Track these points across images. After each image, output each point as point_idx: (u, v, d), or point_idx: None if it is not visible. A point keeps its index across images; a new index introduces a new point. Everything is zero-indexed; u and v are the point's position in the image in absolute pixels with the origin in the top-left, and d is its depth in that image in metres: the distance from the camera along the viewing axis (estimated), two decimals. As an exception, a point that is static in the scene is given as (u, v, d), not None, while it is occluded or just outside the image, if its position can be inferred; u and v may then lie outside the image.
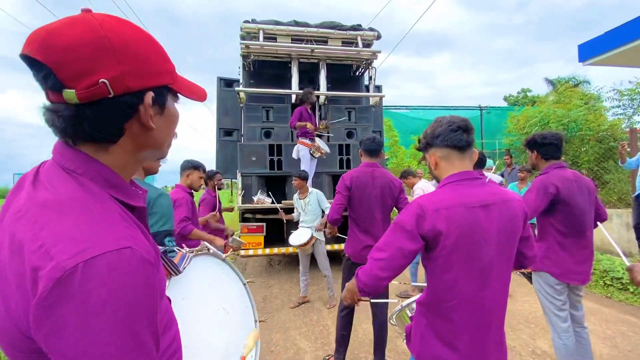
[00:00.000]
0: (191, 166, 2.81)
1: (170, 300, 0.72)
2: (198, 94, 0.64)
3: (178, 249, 1.04)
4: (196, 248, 1.12)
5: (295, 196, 4.09)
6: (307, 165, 4.77)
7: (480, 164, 4.18)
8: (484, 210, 1.11)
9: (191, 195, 2.80)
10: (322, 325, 3.44)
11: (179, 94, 0.61)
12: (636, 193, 4.28)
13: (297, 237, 3.81)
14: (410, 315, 1.39)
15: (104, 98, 0.49)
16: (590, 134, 5.52)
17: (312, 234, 3.77)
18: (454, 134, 1.18)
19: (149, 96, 0.53)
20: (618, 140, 5.01)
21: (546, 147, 2.03)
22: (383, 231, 2.41)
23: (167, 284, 0.89)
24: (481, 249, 1.09)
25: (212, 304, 1.02)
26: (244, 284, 1.21)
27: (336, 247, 4.77)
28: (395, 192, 2.40)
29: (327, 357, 2.70)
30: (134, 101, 0.52)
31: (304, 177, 3.98)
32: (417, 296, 1.37)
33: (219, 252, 1.26)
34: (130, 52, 0.50)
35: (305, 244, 3.73)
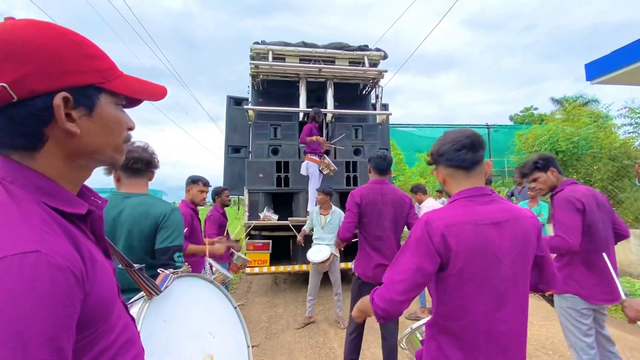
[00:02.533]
0: (190, 181, 2.86)
1: (134, 320, 0.69)
2: (148, 93, 0.60)
3: (161, 270, 1.00)
4: (181, 269, 1.08)
5: (316, 210, 4.00)
6: (317, 182, 4.78)
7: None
8: (495, 228, 1.06)
9: (195, 211, 2.79)
10: (328, 347, 3.31)
11: (119, 95, 0.57)
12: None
13: (317, 254, 3.72)
14: (421, 339, 1.32)
15: (10, 103, 0.47)
16: (601, 152, 5.43)
17: (331, 251, 3.72)
18: (457, 153, 1.14)
19: (59, 97, 0.49)
20: (632, 159, 4.90)
21: (555, 161, 2.04)
22: (395, 249, 2.37)
23: (145, 305, 0.86)
24: (494, 268, 1.03)
25: (196, 328, 0.97)
26: (235, 307, 1.16)
27: (342, 265, 4.68)
28: (405, 208, 2.36)
29: (333, 383, 2.58)
30: (46, 104, 0.48)
31: (328, 192, 3.97)
32: (427, 318, 1.31)
33: (207, 276, 1.21)
34: (34, 53, 0.48)
35: (326, 260, 3.66)
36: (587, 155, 5.65)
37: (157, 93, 0.61)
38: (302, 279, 5.92)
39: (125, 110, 0.66)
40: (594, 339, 1.89)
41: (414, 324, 1.37)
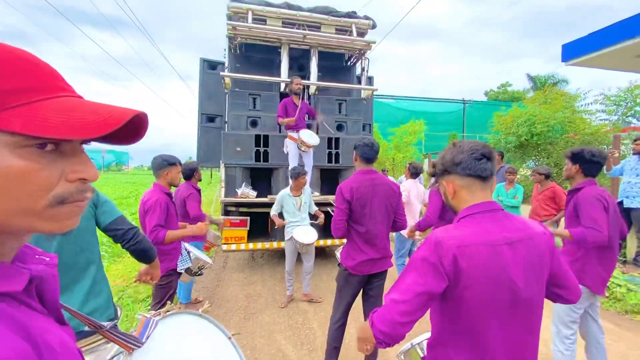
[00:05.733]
0: (168, 164, 2.52)
1: None
2: (70, 127, 0.37)
3: (141, 315, 0.85)
4: (163, 309, 0.93)
5: (287, 193, 3.83)
6: (294, 161, 4.60)
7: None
8: (509, 248, 1.00)
9: (170, 196, 2.55)
10: (307, 328, 3.35)
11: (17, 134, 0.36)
12: (619, 200, 4.40)
13: (307, 236, 3.66)
14: (421, 355, 1.29)
15: None
16: (575, 138, 5.64)
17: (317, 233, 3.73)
18: (477, 162, 1.07)
19: None
20: (603, 144, 5.14)
21: (592, 165, 2.04)
22: (385, 241, 2.32)
23: None
24: (507, 290, 0.98)
25: None
26: (229, 338, 1.04)
27: (321, 243, 4.67)
28: (395, 198, 2.28)
29: (314, 366, 2.61)
30: None
31: (305, 173, 3.82)
32: (428, 334, 1.27)
33: (194, 311, 1.08)
34: None
35: (313, 242, 3.66)
36: (561, 139, 5.85)
37: (99, 125, 0.38)
38: (279, 254, 5.91)
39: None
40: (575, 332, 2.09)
41: (414, 339, 1.32)
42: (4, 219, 0.38)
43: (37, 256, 0.50)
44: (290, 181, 3.83)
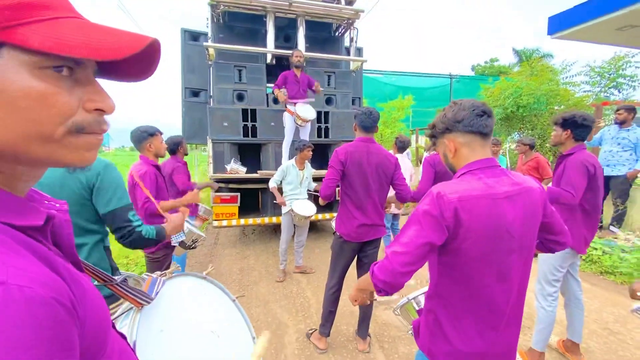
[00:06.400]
0: (148, 135, 2.40)
1: (125, 337, 0.58)
2: (95, 48, 0.35)
3: (147, 275, 0.84)
4: (168, 270, 0.93)
5: (292, 164, 3.80)
6: (291, 135, 4.56)
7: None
8: (509, 201, 1.04)
9: (158, 168, 2.48)
10: (302, 297, 3.44)
11: (39, 52, 0.34)
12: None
13: (305, 209, 3.67)
14: (417, 308, 1.34)
15: None
16: (560, 109, 5.75)
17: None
18: (479, 119, 1.08)
19: None
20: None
21: (584, 129, 2.07)
22: (379, 209, 2.35)
23: (136, 318, 0.73)
24: (504, 242, 1.02)
25: (197, 330, 0.86)
26: (233, 300, 1.05)
27: (313, 217, 4.71)
28: (391, 168, 2.30)
29: (309, 331, 2.71)
30: None
31: (310, 145, 3.79)
32: (424, 288, 1.31)
33: (199, 273, 1.07)
34: None
35: (311, 216, 3.68)
36: (546, 111, 5.96)
37: (120, 47, 0.36)
38: (270, 229, 5.95)
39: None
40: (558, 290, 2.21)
41: (410, 294, 1.37)
42: (25, 145, 0.36)
43: (46, 202, 0.48)
44: (295, 154, 3.80)
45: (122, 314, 0.76)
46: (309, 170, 3.92)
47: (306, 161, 3.87)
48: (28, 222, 0.38)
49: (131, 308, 0.74)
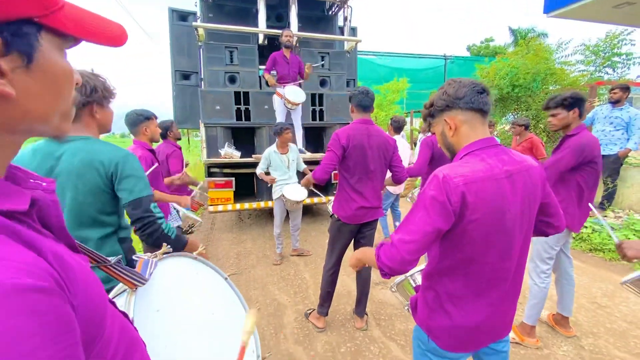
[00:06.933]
0: (144, 118, 2.37)
1: (126, 315, 0.58)
2: (105, 35, 0.42)
3: (138, 256, 0.83)
4: (159, 251, 0.91)
5: (273, 150, 3.72)
6: (282, 119, 4.47)
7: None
8: (509, 180, 1.04)
9: (153, 152, 2.44)
10: (300, 279, 3.48)
11: (66, 35, 0.39)
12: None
13: (296, 193, 3.62)
14: (414, 285, 1.36)
15: None
16: (555, 89, 5.72)
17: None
18: (480, 96, 1.07)
19: None
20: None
21: (584, 104, 2.08)
22: (378, 191, 2.35)
23: (132, 299, 0.72)
24: (505, 221, 1.02)
25: (194, 308, 0.86)
26: (225, 279, 1.05)
27: (308, 201, 4.72)
28: (390, 150, 2.28)
29: (308, 311, 2.76)
30: None
31: (289, 127, 3.72)
32: (422, 266, 1.33)
33: (190, 253, 1.05)
34: None
35: (302, 200, 3.63)
36: (541, 92, 5.93)
37: (113, 35, 0.43)
38: (266, 214, 5.96)
39: None
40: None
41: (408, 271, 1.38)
42: (49, 118, 0.40)
43: (32, 180, 0.45)
44: (276, 139, 3.73)
45: (116, 296, 0.75)
46: (294, 153, 3.83)
47: (290, 143, 3.79)
48: (10, 207, 0.37)
49: (124, 290, 0.73)
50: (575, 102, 2.05)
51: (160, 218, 1.29)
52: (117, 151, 1.27)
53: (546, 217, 1.19)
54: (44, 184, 0.46)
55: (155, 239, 1.27)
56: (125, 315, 0.57)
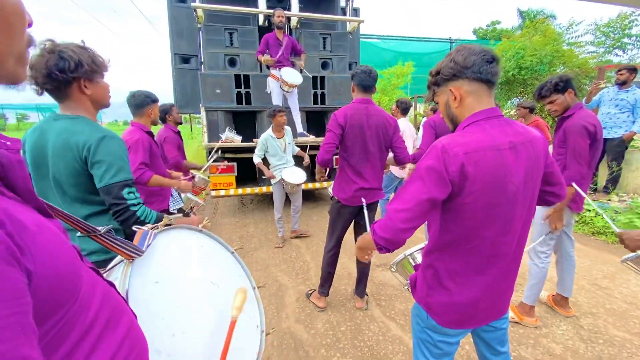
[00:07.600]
0: (151, 100, 2.35)
1: (113, 285, 0.58)
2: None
3: (137, 228, 0.82)
4: (160, 222, 0.90)
5: (270, 135, 3.68)
6: (278, 102, 4.40)
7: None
8: (512, 151, 1.00)
9: (151, 134, 2.42)
10: (301, 261, 3.52)
11: None
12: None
13: (296, 176, 3.62)
14: (413, 264, 1.36)
15: None
16: (563, 71, 5.59)
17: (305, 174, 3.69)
18: (489, 65, 1.01)
19: None
20: (590, 78, 5.12)
21: (573, 81, 2.05)
22: (379, 172, 2.33)
23: (128, 270, 0.71)
24: (508, 193, 1.00)
25: (197, 280, 0.85)
26: (232, 252, 1.05)
27: (310, 186, 4.72)
28: (390, 130, 2.25)
29: (309, 292, 2.79)
30: None
31: (284, 110, 3.66)
32: (421, 245, 1.32)
33: (195, 226, 1.04)
34: None
35: (301, 183, 3.64)
36: (548, 73, 5.80)
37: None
38: (268, 198, 5.97)
39: None
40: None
41: (406, 250, 1.38)
42: (3, 62, 0.40)
43: None
44: (269, 122, 3.69)
45: (114, 266, 0.75)
46: (290, 136, 3.81)
47: (285, 127, 3.75)
48: None
49: (122, 261, 0.73)
50: (567, 84, 2.03)
51: (135, 205, 1.24)
52: (93, 133, 1.21)
53: (549, 187, 1.17)
54: (9, 143, 0.45)
55: (129, 225, 1.23)
56: (111, 284, 0.57)
